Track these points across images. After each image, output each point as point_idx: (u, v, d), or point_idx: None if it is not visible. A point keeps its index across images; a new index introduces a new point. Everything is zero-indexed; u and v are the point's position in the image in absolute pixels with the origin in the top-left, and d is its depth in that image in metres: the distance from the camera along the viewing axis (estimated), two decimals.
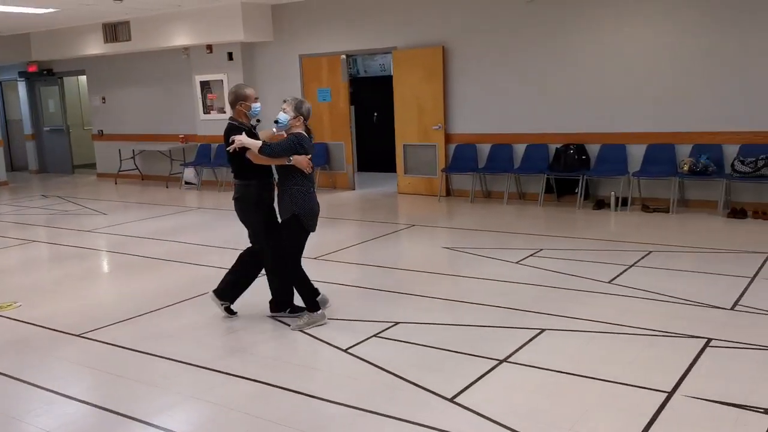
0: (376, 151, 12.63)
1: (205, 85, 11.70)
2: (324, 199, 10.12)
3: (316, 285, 4.74)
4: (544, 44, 8.77)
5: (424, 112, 9.75)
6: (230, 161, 4.60)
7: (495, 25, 9.07)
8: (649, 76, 8.18)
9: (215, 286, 4.88)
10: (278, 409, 3.44)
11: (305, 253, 4.73)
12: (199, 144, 12.00)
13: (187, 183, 12.06)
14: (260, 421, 3.32)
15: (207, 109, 11.80)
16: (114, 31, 11.89)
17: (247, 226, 4.78)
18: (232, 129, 4.56)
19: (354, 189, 10.90)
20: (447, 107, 9.61)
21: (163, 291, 5.62)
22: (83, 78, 14.38)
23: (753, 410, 3.18)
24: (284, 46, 11.00)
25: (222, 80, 11.45)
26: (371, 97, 12.68)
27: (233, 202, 4.71)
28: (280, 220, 4.63)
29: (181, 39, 11.26)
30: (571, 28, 8.58)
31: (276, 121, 4.51)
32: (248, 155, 4.47)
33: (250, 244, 4.85)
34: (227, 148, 4.50)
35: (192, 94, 12.01)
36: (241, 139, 4.42)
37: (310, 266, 6.22)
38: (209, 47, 11.42)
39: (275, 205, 4.74)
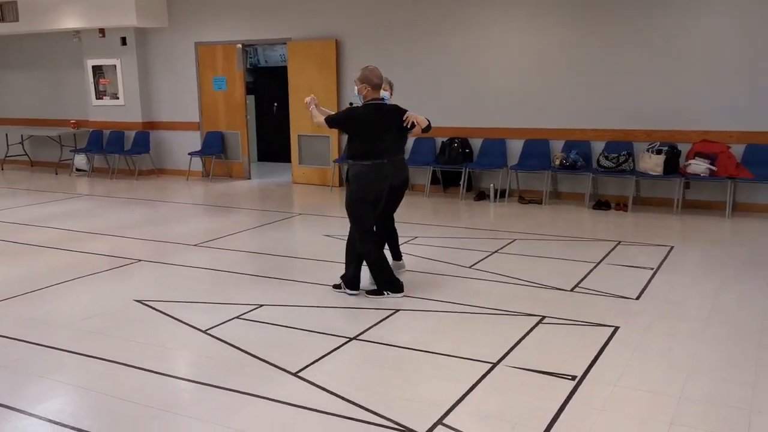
0: (275, 141, 12.62)
1: (98, 70, 11.42)
2: (218, 189, 10.24)
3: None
4: (432, 40, 9.13)
5: (318, 103, 9.87)
6: (397, 141, 5.00)
7: (386, 19, 9.35)
8: (526, 75, 8.68)
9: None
10: (128, 387, 3.56)
11: None
12: (91, 130, 11.72)
13: (78, 170, 11.76)
14: (110, 399, 3.43)
15: (99, 95, 11.53)
16: (0, 11, 11.41)
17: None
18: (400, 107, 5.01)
19: (250, 178, 10.96)
20: (340, 100, 9.81)
21: (33, 277, 5.57)
22: None
23: (561, 377, 3.57)
24: (179, 33, 10.90)
25: (115, 65, 11.22)
26: (271, 88, 12.69)
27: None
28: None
29: (72, 21, 10.93)
30: (456, 26, 8.96)
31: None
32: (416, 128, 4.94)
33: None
34: (407, 124, 4.85)
35: (84, 79, 11.70)
36: (415, 115, 4.86)
37: (190, 252, 6.33)
38: (102, 31, 11.16)
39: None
